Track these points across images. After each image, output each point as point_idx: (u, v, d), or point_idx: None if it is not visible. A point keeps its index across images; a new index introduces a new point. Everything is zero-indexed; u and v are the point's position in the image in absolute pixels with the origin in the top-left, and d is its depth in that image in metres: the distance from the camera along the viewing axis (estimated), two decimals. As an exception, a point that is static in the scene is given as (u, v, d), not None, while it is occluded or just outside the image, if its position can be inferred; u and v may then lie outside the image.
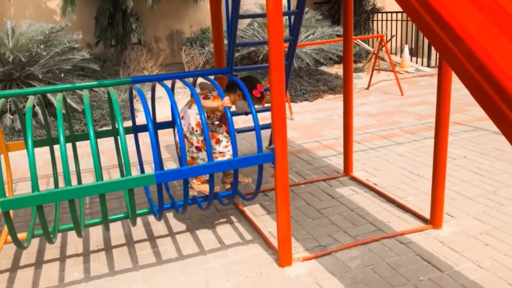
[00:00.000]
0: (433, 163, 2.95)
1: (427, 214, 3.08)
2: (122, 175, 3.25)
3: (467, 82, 1.68)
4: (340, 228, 3.09)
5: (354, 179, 3.93)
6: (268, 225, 3.18)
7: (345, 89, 3.95)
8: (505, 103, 1.50)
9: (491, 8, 1.88)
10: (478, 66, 1.60)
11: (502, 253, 2.68)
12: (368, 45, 9.99)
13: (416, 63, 10.00)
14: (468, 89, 1.68)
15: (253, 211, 3.42)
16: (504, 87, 1.50)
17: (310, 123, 5.90)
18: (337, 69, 8.91)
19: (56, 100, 2.89)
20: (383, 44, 7.68)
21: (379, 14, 11.21)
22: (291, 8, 4.47)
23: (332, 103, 6.98)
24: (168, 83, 3.17)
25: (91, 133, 2.39)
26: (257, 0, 9.08)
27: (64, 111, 3.12)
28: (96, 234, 3.20)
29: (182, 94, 7.57)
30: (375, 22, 11.51)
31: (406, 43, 9.89)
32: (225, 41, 4.34)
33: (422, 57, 9.99)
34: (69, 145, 2.92)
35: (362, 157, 4.48)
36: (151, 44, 10.45)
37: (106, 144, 4.54)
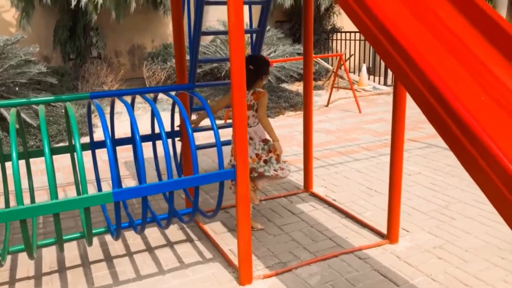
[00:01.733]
0: (389, 179, 3.04)
1: (384, 229, 3.16)
2: (78, 193, 3.15)
3: (419, 101, 1.76)
4: (300, 244, 3.12)
5: (314, 195, 3.99)
6: (229, 242, 3.16)
7: (305, 106, 4.03)
8: (453, 122, 1.58)
9: (441, 31, 1.98)
10: (429, 87, 1.68)
11: (454, 266, 2.78)
12: (328, 64, 10.26)
13: (374, 81, 10.35)
14: (420, 108, 1.76)
15: (214, 228, 3.39)
16: (452, 107, 1.58)
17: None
18: (298, 87, 9.07)
19: (9, 114, 2.79)
20: (342, 62, 7.91)
21: (339, 34, 11.56)
22: (253, 27, 4.54)
23: (293, 120, 7.09)
24: (128, 98, 3.12)
25: (46, 149, 2.31)
26: (220, 17, 9.16)
27: (17, 126, 3.00)
28: (49, 254, 3.07)
29: (143, 109, 7.47)
30: (334, 41, 11.85)
31: (364, 62, 10.23)
32: (188, 57, 4.34)
33: (379, 76, 10.36)
34: (22, 162, 2.81)
35: (321, 173, 4.55)
36: (112, 59, 10.29)
37: (62, 161, 4.40)
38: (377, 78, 10.42)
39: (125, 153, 4.91)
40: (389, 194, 3.06)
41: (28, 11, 7.82)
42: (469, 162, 1.53)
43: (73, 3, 7.59)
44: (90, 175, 3.79)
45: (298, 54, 8.98)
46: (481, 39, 1.94)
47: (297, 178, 4.40)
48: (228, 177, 2.61)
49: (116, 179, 2.44)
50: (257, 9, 4.31)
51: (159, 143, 3.34)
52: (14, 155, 2.26)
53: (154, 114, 2.72)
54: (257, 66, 3.19)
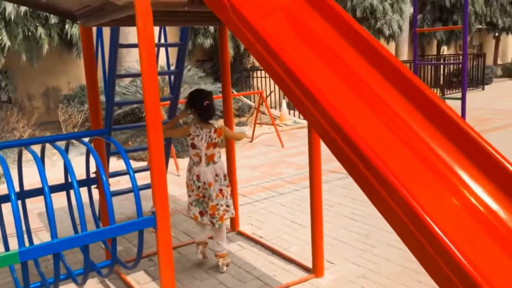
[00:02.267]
0: (310, 211, 3.11)
1: (310, 263, 3.20)
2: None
3: (323, 137, 1.83)
4: (227, 287, 3.05)
5: (241, 233, 3.96)
6: (153, 292, 3.01)
7: (227, 143, 4.06)
8: (356, 156, 1.65)
9: (341, 69, 2.11)
10: (333, 125, 1.75)
11: (377, 294, 2.88)
12: (250, 101, 10.50)
13: (294, 115, 10.73)
14: (325, 143, 1.83)
15: (138, 279, 3.22)
16: (355, 143, 1.66)
17: (197, 179, 5.88)
18: (222, 124, 9.14)
19: None
20: (262, 99, 8.13)
21: (259, 72, 11.94)
22: (171, 68, 4.55)
23: (218, 158, 7.09)
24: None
25: None
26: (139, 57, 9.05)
27: None
28: None
29: (59, 155, 7.06)
30: (255, 79, 12.21)
31: (284, 98, 10.62)
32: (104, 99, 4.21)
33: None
34: None
35: (248, 210, 4.55)
36: (24, 102, 9.71)
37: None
38: (297, 113, 10.82)
39: (39, 204, 4.57)
40: (312, 227, 3.12)
41: None
42: (373, 195, 1.61)
43: (-23, 45, 7.12)
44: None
45: (220, 92, 9.11)
46: (380, 79, 2.10)
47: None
48: (147, 225, 2.50)
49: (22, 237, 2.24)
50: (175, 50, 4.33)
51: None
52: None
53: (65, 163, 2.57)
54: (211, 101, 3.25)
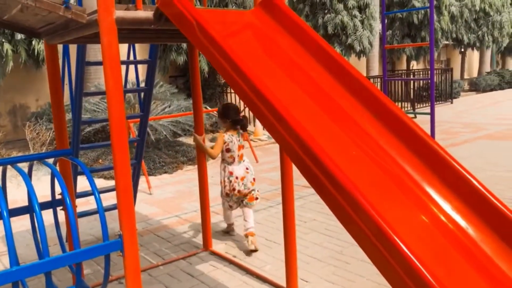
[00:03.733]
0: (283, 229, 3.07)
1: (284, 282, 3.15)
2: None
3: (291, 155, 1.80)
4: (200, 310, 2.96)
5: (214, 253, 3.88)
6: (122, 318, 2.88)
7: (199, 159, 4.01)
8: (323, 175, 1.62)
9: (309, 86, 2.10)
10: (299, 143, 1.72)
11: (351, 312, 2.84)
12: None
13: (269, 131, 10.74)
14: (292, 161, 1.81)
15: (105, 304, 3.09)
16: (321, 161, 1.63)
17: (170, 197, 5.77)
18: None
19: None
20: (236, 115, 8.10)
21: (232, 87, 11.96)
22: (140, 85, 4.48)
23: (192, 174, 6.99)
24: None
25: None
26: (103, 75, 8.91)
27: None
28: None
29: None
30: (229, 95, 12.21)
31: (258, 113, 10.63)
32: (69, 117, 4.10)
33: (274, 125, 10.80)
34: None
35: (220, 228, 4.47)
36: (-11, 120, 9.40)
37: None
38: (271, 128, 10.84)
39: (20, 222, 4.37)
40: (285, 245, 3.08)
41: None
42: (341, 215, 1.59)
43: None
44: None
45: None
46: (348, 96, 2.10)
47: (197, 236, 4.26)
48: (114, 249, 2.40)
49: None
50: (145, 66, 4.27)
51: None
52: None
53: (26, 186, 2.46)
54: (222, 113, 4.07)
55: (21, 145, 8.93)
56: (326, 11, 13.49)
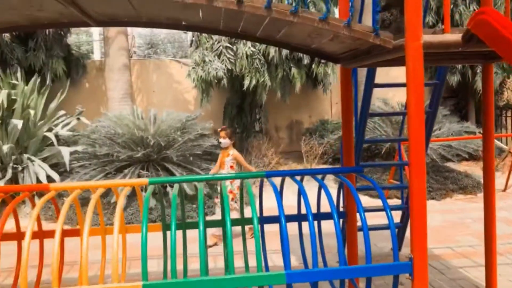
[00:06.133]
0: None
1: None
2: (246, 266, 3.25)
3: None
4: None
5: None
6: None
7: (486, 190, 3.64)
8: None
9: None
10: None
11: None
12: (502, 143, 9.23)
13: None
14: None
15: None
16: None
17: (439, 226, 5.42)
18: (466, 167, 8.29)
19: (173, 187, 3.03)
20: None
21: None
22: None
23: (463, 204, 6.40)
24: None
25: (201, 226, 2.37)
26: (380, 96, 9.10)
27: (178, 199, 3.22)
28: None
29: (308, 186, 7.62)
30: (509, 119, 10.71)
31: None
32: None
33: None
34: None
35: (506, 272, 3.91)
36: (271, 133, 10.97)
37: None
38: None
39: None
40: None
41: (208, 92, 8.94)
42: None
43: (245, 85, 8.46)
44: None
45: (466, 132, 8.32)
46: None
47: (475, 275, 3.85)
48: (403, 271, 2.40)
49: (289, 259, 2.44)
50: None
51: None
52: (173, 226, 2.38)
53: (302, 195, 2.71)
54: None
55: (295, 156, 10.06)
56: None
